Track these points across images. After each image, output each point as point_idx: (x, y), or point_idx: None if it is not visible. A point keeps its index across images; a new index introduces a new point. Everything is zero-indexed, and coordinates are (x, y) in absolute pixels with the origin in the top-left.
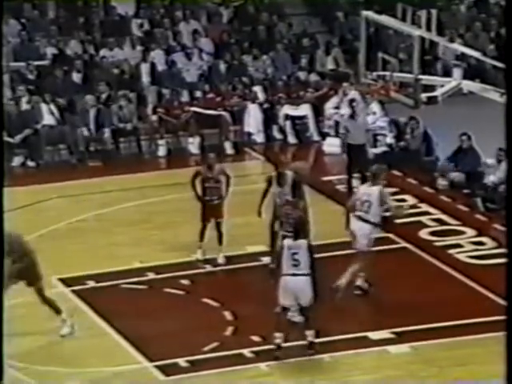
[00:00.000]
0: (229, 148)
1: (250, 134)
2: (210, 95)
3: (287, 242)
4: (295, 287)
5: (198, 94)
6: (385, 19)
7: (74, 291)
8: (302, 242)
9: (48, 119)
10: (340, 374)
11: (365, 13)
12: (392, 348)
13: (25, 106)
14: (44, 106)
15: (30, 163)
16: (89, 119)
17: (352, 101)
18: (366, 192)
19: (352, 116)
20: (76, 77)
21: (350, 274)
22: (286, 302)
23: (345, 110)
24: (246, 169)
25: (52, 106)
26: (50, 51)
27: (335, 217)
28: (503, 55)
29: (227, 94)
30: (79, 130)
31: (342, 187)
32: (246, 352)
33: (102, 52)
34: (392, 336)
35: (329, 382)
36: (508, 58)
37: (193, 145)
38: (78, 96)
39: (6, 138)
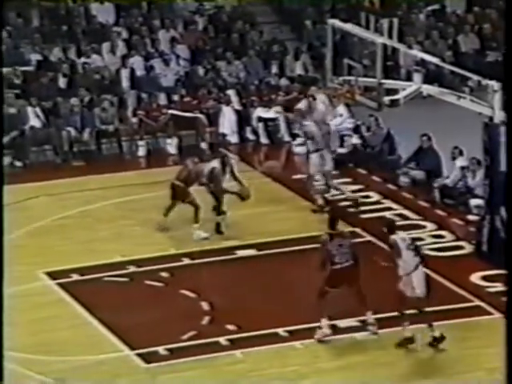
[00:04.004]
0: (205, 148)
1: (224, 135)
2: (187, 99)
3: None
4: None
5: (176, 97)
6: (350, 27)
7: (58, 284)
8: None
9: (34, 122)
10: (310, 359)
11: (331, 21)
12: (358, 335)
13: (11, 110)
14: (30, 110)
15: (17, 163)
16: (73, 121)
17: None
18: None
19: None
20: (61, 82)
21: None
22: None
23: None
24: None
25: (38, 109)
26: (35, 57)
27: (304, 212)
28: (459, 61)
29: (203, 97)
30: (63, 132)
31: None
32: (222, 340)
33: (84, 58)
34: (358, 324)
35: (299, 367)
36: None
37: (171, 145)
38: (62, 100)
39: None
